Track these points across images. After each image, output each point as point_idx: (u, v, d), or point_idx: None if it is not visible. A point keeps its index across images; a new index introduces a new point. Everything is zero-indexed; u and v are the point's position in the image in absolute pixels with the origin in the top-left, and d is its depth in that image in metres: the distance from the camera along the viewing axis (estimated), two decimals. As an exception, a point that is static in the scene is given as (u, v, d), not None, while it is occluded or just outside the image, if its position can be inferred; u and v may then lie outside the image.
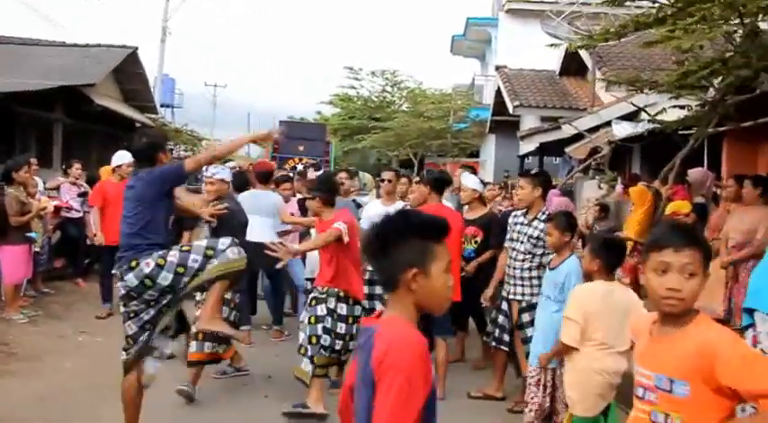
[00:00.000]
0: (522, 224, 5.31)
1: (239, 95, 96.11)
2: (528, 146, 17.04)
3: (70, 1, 50.70)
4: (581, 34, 13.59)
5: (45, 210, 7.74)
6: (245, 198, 6.99)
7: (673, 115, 8.79)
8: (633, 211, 7.96)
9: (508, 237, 5.45)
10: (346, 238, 4.85)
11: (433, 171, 8.51)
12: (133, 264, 4.01)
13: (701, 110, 7.78)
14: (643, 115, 13.35)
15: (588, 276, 4.05)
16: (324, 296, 5.02)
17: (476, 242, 6.31)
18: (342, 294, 4.98)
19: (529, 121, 17.46)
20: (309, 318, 5.00)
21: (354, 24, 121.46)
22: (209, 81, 47.84)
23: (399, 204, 6.72)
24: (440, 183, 5.99)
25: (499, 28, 21.99)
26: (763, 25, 6.06)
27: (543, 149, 16.32)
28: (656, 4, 6.14)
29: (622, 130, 12.52)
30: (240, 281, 7.18)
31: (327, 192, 5.21)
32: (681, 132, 8.40)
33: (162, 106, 27.13)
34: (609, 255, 3.91)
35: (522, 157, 18.73)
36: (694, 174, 8.24)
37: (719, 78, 6.37)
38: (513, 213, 5.52)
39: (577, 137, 13.44)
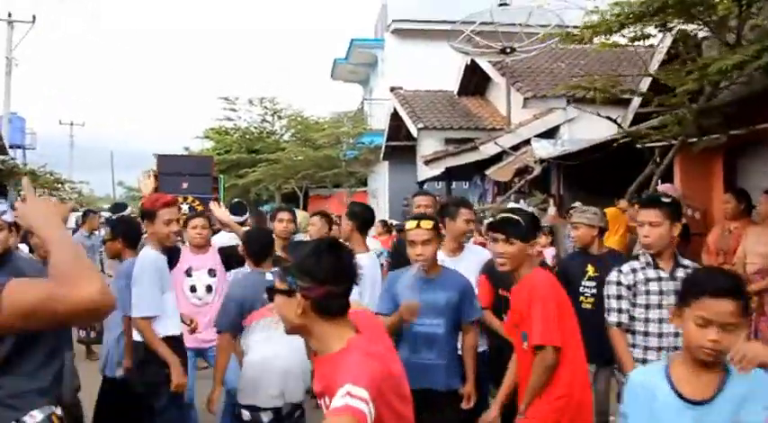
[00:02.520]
0: (659, 280, 3.52)
1: (100, 134, 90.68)
2: (431, 171, 15.98)
3: None
4: (492, 49, 12.80)
5: None
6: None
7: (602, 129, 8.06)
8: (607, 237, 6.92)
9: (624, 305, 3.58)
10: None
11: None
12: None
13: (674, 116, 6.99)
14: (561, 131, 12.76)
15: None
16: None
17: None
18: None
19: (429, 145, 16.40)
20: None
21: (225, 54, 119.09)
22: (65, 120, 44.20)
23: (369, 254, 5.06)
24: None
25: (385, 49, 21.03)
26: None
27: (450, 174, 15.34)
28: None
29: (542, 148, 11.69)
30: None
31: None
32: (644, 147, 7.58)
33: (11, 147, 24.41)
34: None
35: (422, 184, 17.67)
36: (668, 191, 7.32)
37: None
38: (630, 267, 3.73)
39: (495, 158, 12.51)
